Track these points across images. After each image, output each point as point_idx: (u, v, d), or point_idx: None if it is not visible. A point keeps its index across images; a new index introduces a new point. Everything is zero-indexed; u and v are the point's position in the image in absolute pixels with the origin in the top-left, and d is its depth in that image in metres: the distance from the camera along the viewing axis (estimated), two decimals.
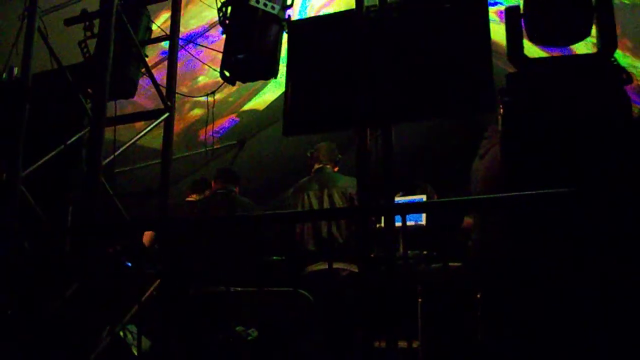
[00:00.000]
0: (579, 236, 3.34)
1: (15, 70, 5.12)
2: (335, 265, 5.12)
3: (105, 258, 4.95)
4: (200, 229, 5.48)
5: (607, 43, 3.73)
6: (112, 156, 4.84)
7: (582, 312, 3.27)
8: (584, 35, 3.86)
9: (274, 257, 5.81)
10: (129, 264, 5.74)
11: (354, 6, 4.28)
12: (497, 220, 3.77)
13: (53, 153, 4.75)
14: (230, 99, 8.28)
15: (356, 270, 5.11)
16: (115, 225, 4.90)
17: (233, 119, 8.80)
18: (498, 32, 4.20)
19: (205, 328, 5.51)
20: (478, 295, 4.23)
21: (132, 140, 5.09)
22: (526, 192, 3.22)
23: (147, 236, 6.71)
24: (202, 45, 6.90)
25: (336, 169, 5.89)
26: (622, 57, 5.69)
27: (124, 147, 4.98)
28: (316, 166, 5.87)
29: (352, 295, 4.81)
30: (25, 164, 4.57)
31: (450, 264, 4.62)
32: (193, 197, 7.09)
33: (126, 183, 6.96)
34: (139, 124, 5.66)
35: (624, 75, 3.64)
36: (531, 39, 3.99)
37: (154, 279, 4.98)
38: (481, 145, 4.45)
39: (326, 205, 5.51)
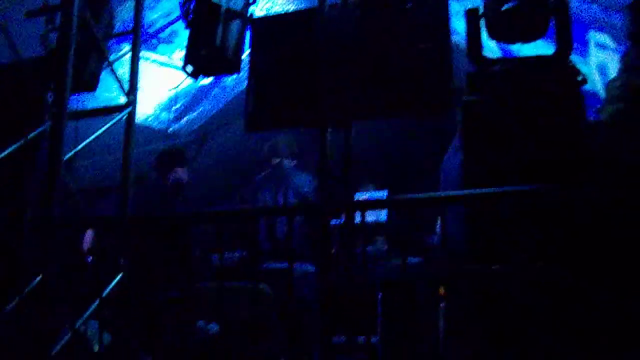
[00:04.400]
0: (535, 232, 3.42)
1: None
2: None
3: (65, 253, 4.94)
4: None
5: (564, 45, 3.84)
6: (72, 151, 4.83)
7: (540, 307, 3.34)
8: (540, 34, 3.95)
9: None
10: (89, 259, 5.76)
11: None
12: (457, 215, 3.81)
13: (13, 147, 4.70)
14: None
15: (311, 269, 5.22)
16: (74, 220, 4.91)
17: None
18: None
19: (166, 323, 5.52)
20: (441, 290, 4.27)
21: (94, 135, 5.08)
22: (484, 189, 3.31)
23: (88, 237, 6.62)
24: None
25: (294, 162, 5.88)
26: None
27: (85, 142, 4.97)
28: (274, 161, 5.84)
29: (307, 292, 4.84)
30: None
31: (411, 258, 4.65)
32: None
33: (89, 177, 6.89)
34: None
35: (579, 77, 3.74)
36: (490, 36, 4.07)
37: (114, 274, 4.96)
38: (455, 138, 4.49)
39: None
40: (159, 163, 6.36)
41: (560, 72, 3.78)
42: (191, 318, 5.25)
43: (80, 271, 5.04)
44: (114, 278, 4.97)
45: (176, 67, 7.31)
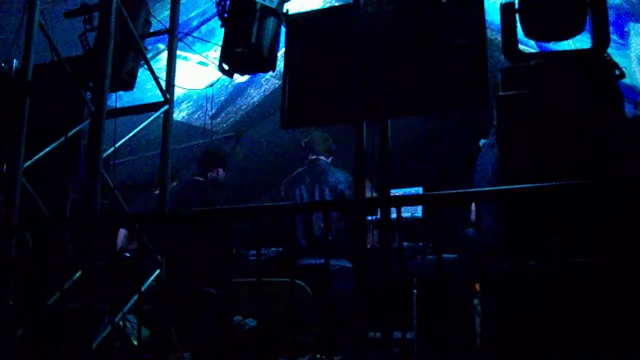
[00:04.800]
0: (573, 228, 3.38)
1: (15, 62, 5.17)
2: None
3: (105, 249, 5.02)
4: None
5: (600, 39, 3.79)
6: (112, 148, 4.91)
7: (575, 303, 3.33)
8: (578, 30, 3.91)
9: None
10: (127, 255, 5.84)
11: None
12: (492, 211, 3.80)
13: (53, 145, 4.78)
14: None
15: (348, 265, 5.28)
16: (115, 216, 4.97)
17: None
18: None
19: (204, 318, 5.58)
20: (476, 287, 4.24)
21: (132, 133, 5.17)
22: (520, 185, 3.29)
23: (122, 234, 6.74)
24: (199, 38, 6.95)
25: (330, 159, 5.90)
26: None
27: (124, 139, 5.05)
28: (310, 157, 5.88)
29: (344, 287, 4.84)
30: (25, 156, 4.60)
31: (446, 255, 4.67)
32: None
33: (127, 174, 6.99)
34: None
35: (617, 71, 3.70)
36: (527, 35, 4.04)
37: (153, 269, 5.05)
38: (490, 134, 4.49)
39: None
40: (201, 160, 6.58)
41: (596, 66, 3.74)
42: (228, 313, 5.28)
43: (118, 267, 5.06)
44: (153, 274, 5.06)
45: (211, 65, 7.35)
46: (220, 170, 6.51)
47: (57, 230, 4.67)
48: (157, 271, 5.10)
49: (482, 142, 4.67)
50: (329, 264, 4.76)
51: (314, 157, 5.86)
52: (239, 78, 6.76)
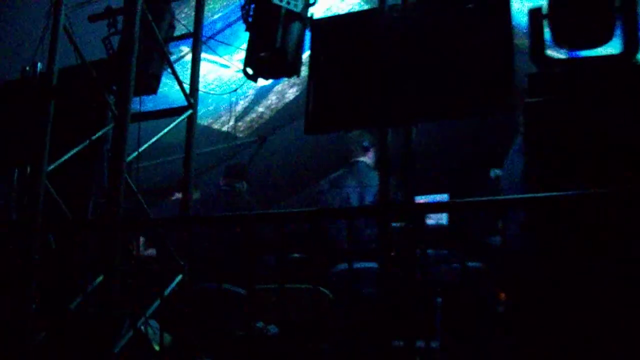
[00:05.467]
0: (601, 237, 3.35)
1: (40, 66, 5.20)
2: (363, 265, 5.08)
3: (127, 253, 5.04)
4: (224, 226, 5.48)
5: (631, 44, 3.73)
6: (136, 152, 4.93)
7: (606, 313, 3.28)
8: (608, 37, 3.86)
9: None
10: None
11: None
12: (519, 220, 3.76)
13: (77, 148, 4.82)
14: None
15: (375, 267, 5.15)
16: (138, 222, 5.00)
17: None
18: None
19: (226, 324, 5.57)
20: (501, 295, 4.23)
21: (156, 137, 5.21)
22: (548, 193, 3.25)
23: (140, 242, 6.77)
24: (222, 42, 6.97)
25: (369, 155, 5.84)
26: None
27: (147, 144, 5.08)
28: (353, 158, 5.82)
29: (371, 290, 4.81)
30: (49, 160, 4.62)
31: (471, 263, 4.63)
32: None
33: (149, 178, 7.01)
34: None
35: None
36: (556, 43, 3.99)
37: (175, 274, 5.05)
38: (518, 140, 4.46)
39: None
40: (228, 173, 6.74)
41: (627, 73, 3.69)
42: (251, 319, 5.20)
43: (141, 271, 5.08)
44: (175, 279, 5.07)
45: (233, 68, 7.39)
46: (245, 183, 6.64)
47: (79, 233, 4.70)
48: (180, 276, 5.09)
49: (493, 172, 4.82)
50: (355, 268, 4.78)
51: (354, 159, 5.81)
52: (262, 82, 6.78)
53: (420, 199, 4.96)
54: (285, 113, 8.72)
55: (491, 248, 4.78)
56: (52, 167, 4.61)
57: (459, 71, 4.05)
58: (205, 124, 8.37)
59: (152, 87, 5.34)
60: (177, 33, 5.70)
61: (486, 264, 4.71)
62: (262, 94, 8.47)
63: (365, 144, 5.81)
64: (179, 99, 5.49)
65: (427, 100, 4.12)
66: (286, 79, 6.88)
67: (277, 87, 8.33)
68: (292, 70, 4.80)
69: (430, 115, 4.29)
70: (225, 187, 6.56)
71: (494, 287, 4.50)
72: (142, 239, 6.69)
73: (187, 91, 5.42)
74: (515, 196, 3.87)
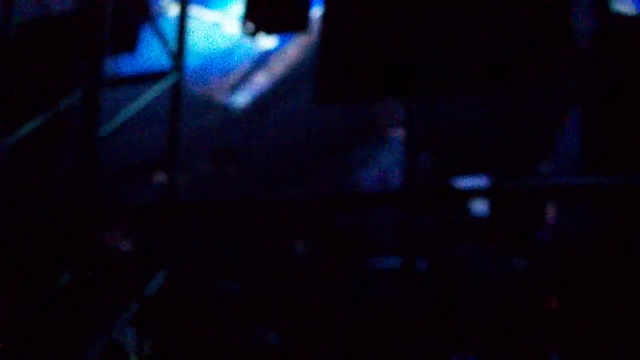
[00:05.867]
0: None
1: None
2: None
3: (100, 246, 5.04)
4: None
5: None
6: (110, 126, 4.84)
7: None
8: None
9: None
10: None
11: None
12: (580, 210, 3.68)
13: (41, 119, 4.73)
14: None
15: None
16: (112, 210, 4.98)
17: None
18: None
19: (218, 329, 5.49)
20: (552, 301, 4.19)
21: (134, 107, 5.07)
22: (612, 177, 3.27)
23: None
24: None
25: (400, 134, 5.69)
26: None
27: (124, 115, 4.97)
28: (386, 133, 5.66)
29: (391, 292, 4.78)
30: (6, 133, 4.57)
31: (517, 261, 4.60)
32: None
33: (127, 155, 6.94)
34: None
35: None
36: None
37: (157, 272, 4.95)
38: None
39: None
40: (215, 155, 6.67)
41: None
42: (248, 322, 5.26)
43: (115, 269, 5.00)
44: (155, 276, 4.95)
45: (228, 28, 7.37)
46: (236, 168, 6.60)
47: (42, 225, 4.62)
48: (162, 274, 4.96)
49: None
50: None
51: (389, 134, 5.64)
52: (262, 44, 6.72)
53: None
54: (290, 79, 8.61)
55: (539, 244, 4.71)
56: (11, 141, 4.57)
57: (507, 33, 3.97)
58: (193, 92, 8.27)
59: (129, 43, 5.27)
60: None
61: (534, 263, 4.62)
62: (261, 57, 8.38)
63: (401, 116, 5.68)
64: (162, 63, 5.34)
65: (469, 69, 4.05)
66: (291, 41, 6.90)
67: (278, 49, 8.23)
68: (299, 24, 4.77)
69: (466, 87, 4.27)
70: (210, 174, 6.47)
71: (544, 290, 4.39)
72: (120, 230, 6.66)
73: (173, 52, 5.27)
74: (578, 180, 3.75)
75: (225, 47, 7.93)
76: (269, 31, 4.89)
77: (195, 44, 6.96)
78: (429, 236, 4.49)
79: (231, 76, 8.32)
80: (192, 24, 5.59)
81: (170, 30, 5.37)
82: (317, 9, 4.80)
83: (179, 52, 5.27)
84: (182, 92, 5.30)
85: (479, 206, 4.75)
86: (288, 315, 4.84)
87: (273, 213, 5.13)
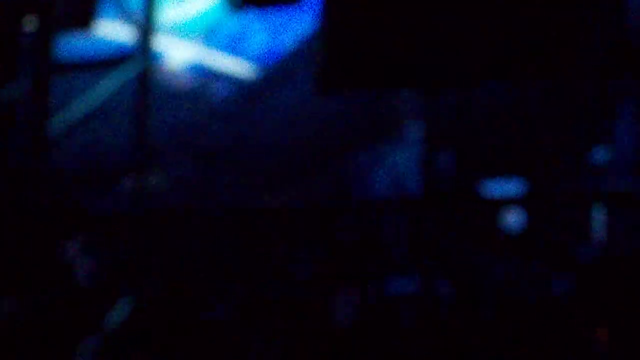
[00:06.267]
0: None
1: None
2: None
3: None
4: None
5: None
6: (62, 119, 4.77)
7: None
8: None
9: None
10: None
11: None
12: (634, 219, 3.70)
13: None
14: None
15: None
16: (66, 218, 5.00)
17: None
18: None
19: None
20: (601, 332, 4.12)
21: (93, 96, 5.02)
22: None
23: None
24: None
25: (420, 129, 5.77)
26: None
27: (80, 106, 4.91)
28: (401, 129, 5.70)
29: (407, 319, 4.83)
30: None
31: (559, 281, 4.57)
32: None
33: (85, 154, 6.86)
34: None
35: None
36: None
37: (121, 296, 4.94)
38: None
39: None
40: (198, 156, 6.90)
41: None
42: (242, 345, 5.21)
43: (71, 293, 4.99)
44: (120, 303, 4.93)
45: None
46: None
47: None
48: (128, 299, 4.93)
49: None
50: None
51: (396, 130, 5.71)
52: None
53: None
54: (283, 64, 8.54)
55: (585, 261, 4.68)
56: None
57: (541, 14, 4.06)
58: (167, 78, 8.21)
59: (84, 18, 5.23)
60: None
61: (579, 285, 4.57)
62: (248, 33, 8.33)
63: (417, 107, 5.68)
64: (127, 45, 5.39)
65: (498, 56, 4.14)
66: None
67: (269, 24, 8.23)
68: None
69: (492, 76, 4.35)
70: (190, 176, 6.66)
71: (591, 319, 4.33)
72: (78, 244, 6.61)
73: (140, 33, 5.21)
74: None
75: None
76: (258, 5, 4.97)
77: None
78: (451, 252, 4.45)
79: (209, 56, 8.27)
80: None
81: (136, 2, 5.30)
82: None
83: (146, 30, 5.17)
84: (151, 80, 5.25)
85: (511, 216, 4.67)
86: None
87: (265, 222, 5.20)
